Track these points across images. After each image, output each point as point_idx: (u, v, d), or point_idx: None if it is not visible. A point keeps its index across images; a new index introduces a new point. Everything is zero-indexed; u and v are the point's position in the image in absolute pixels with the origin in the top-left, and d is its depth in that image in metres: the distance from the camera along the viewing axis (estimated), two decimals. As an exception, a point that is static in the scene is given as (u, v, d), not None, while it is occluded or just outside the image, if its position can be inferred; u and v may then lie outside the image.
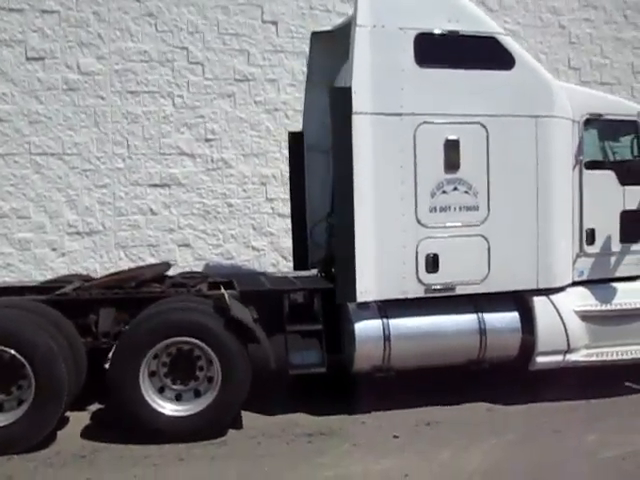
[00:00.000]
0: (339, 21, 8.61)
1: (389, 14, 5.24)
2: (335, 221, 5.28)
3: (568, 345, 5.65)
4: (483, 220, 5.48)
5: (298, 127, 8.40)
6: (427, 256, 5.37)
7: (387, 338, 5.36)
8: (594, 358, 5.77)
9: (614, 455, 4.69)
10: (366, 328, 5.36)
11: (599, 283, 6.05)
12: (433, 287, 5.41)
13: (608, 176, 6.00)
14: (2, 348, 4.75)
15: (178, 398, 5.12)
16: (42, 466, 4.59)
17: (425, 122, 5.31)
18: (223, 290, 5.34)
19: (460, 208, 5.43)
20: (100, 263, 8.22)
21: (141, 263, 8.25)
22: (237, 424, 5.25)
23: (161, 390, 5.08)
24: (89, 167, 8.18)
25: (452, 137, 5.34)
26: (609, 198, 5.98)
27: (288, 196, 8.45)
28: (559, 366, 5.72)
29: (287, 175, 8.49)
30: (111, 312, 5.47)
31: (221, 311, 5.06)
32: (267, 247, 8.70)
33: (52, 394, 4.74)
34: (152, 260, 8.31)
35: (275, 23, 8.64)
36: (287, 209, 8.57)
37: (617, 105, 6.11)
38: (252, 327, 5.08)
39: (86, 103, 8.14)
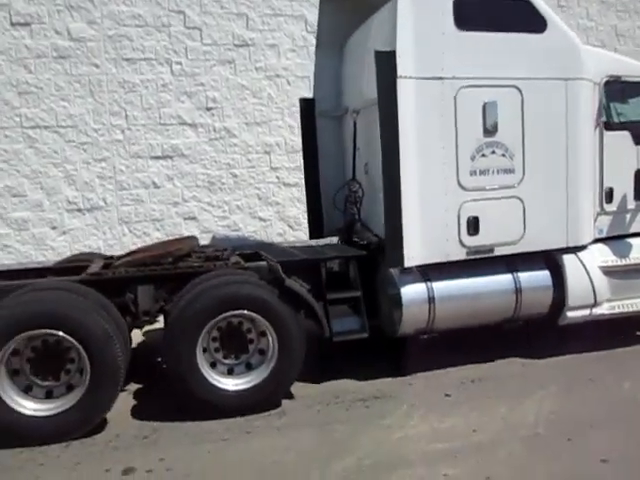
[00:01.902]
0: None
1: (429, -24, 5.18)
2: (383, 188, 5.26)
3: (595, 299, 5.94)
4: (519, 182, 5.61)
5: (300, 94, 8.29)
6: (468, 219, 5.47)
7: (432, 301, 5.47)
8: (617, 310, 6.09)
9: (654, 398, 5.04)
10: (412, 292, 5.44)
11: (615, 239, 6.35)
12: (474, 249, 5.53)
13: (624, 136, 6.23)
14: (49, 331, 4.55)
15: (230, 372, 5.08)
16: (107, 450, 4.47)
17: (465, 86, 5.33)
18: (271, 261, 5.28)
19: (498, 171, 5.53)
20: (103, 240, 7.93)
21: (146, 239, 8.03)
22: (289, 394, 5.27)
23: (213, 365, 5.02)
24: (86, 140, 7.79)
25: (490, 101, 5.39)
26: (625, 158, 6.22)
27: (292, 165, 8.39)
28: (586, 319, 6.01)
29: (291, 143, 8.42)
30: (150, 289, 5.31)
31: (275, 282, 5.01)
32: (273, 217, 8.62)
33: (109, 377, 4.59)
34: (158, 235, 8.09)
35: (273, -15, 8.37)
36: (292, 178, 8.52)
37: (634, 67, 6.30)
38: (307, 297, 5.07)
39: (79, 72, 7.69)
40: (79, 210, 7.81)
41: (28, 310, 4.48)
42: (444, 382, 5.54)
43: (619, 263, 6.16)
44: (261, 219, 8.57)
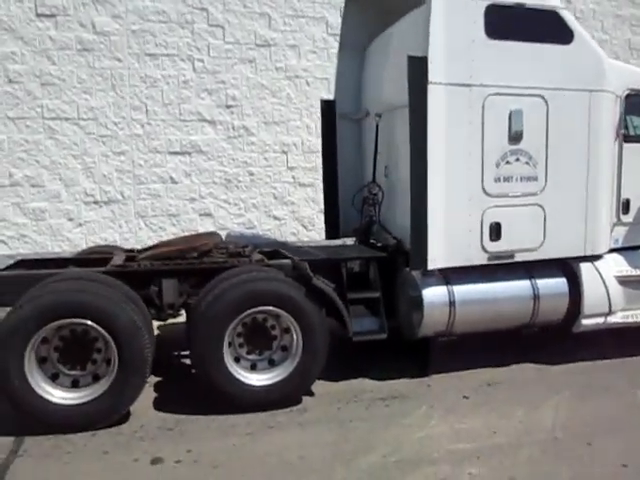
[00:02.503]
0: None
1: (462, -16, 5.26)
2: (410, 191, 5.33)
3: (610, 308, 6.03)
4: (541, 190, 5.70)
5: (319, 95, 8.38)
6: (491, 225, 5.55)
7: (452, 304, 5.55)
8: (630, 320, 6.19)
9: (668, 407, 5.14)
10: (433, 295, 5.52)
11: (630, 250, 6.44)
12: (495, 255, 5.62)
13: (641, 149, 6.34)
14: (79, 321, 4.58)
15: (253, 368, 5.14)
16: (134, 440, 4.52)
17: (492, 94, 5.41)
18: (297, 259, 5.35)
19: (521, 178, 5.62)
20: (119, 233, 7.96)
21: (162, 233, 8.08)
22: (309, 391, 5.33)
23: (237, 360, 5.08)
24: (106, 133, 7.83)
25: (516, 109, 5.48)
26: (641, 170, 6.33)
27: (309, 165, 8.47)
28: (600, 328, 6.10)
29: (308, 144, 8.50)
30: (174, 283, 5.37)
31: (301, 280, 5.08)
32: (288, 216, 8.68)
33: (137, 368, 4.64)
34: (174, 230, 8.14)
35: (296, -14, 8.44)
36: (307, 178, 8.60)
37: (653, 81, 6.42)
38: (333, 296, 5.14)
39: (102, 65, 7.74)
40: (96, 202, 7.85)
41: (60, 299, 4.53)
42: (461, 384, 5.62)
43: (634, 273, 6.26)
44: (276, 218, 8.63)
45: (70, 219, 7.77)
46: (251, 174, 8.44)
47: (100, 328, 4.57)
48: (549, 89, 5.60)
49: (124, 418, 4.79)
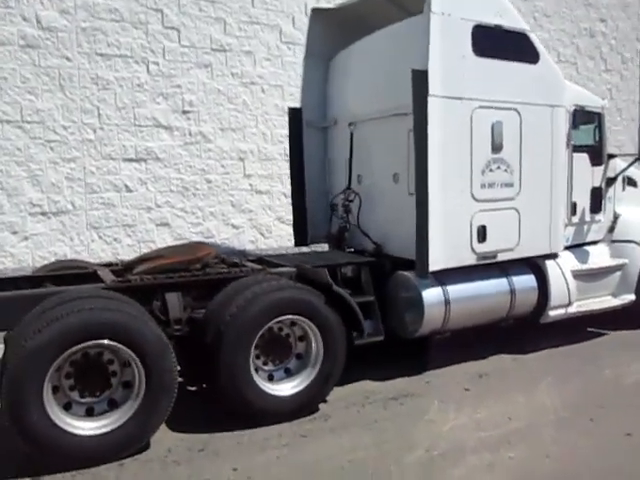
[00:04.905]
0: (310, -3, 8.69)
1: (453, 4, 5.62)
2: (416, 200, 5.56)
3: (569, 299, 6.76)
4: (516, 195, 6.24)
5: (273, 102, 8.40)
6: (478, 228, 5.98)
7: (447, 302, 5.89)
8: (582, 309, 6.97)
9: (632, 381, 5.89)
10: (431, 295, 5.81)
11: (576, 247, 7.27)
12: (482, 255, 6.05)
13: (584, 158, 7.19)
14: (96, 342, 4.21)
15: (270, 378, 5.06)
16: (169, 465, 4.26)
17: (478, 107, 5.85)
18: (306, 267, 5.34)
19: (501, 185, 6.12)
20: (70, 247, 7.33)
21: (117, 245, 7.57)
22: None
23: (256, 371, 4.96)
24: (54, 138, 7.19)
25: (497, 121, 5.97)
26: (584, 176, 7.17)
27: (265, 172, 8.45)
28: (562, 318, 6.80)
29: (264, 151, 8.48)
30: (178, 297, 5.12)
31: (322, 287, 5.09)
32: (246, 224, 8.54)
33: (167, 388, 4.36)
34: (129, 241, 7.66)
35: (250, -7, 8.37)
36: (264, 186, 8.57)
37: (590, 98, 7.31)
38: (351, 302, 5.21)
39: (48, 64, 7.09)
40: (44, 213, 7.15)
41: (91, 319, 4.11)
42: (456, 378, 5.95)
43: (583, 268, 7.08)
44: (234, 226, 8.45)
45: (14, 232, 7.00)
46: (208, 182, 8.20)
47: (126, 349, 4.24)
48: (522, 103, 6.16)
49: (145, 444, 4.48)
